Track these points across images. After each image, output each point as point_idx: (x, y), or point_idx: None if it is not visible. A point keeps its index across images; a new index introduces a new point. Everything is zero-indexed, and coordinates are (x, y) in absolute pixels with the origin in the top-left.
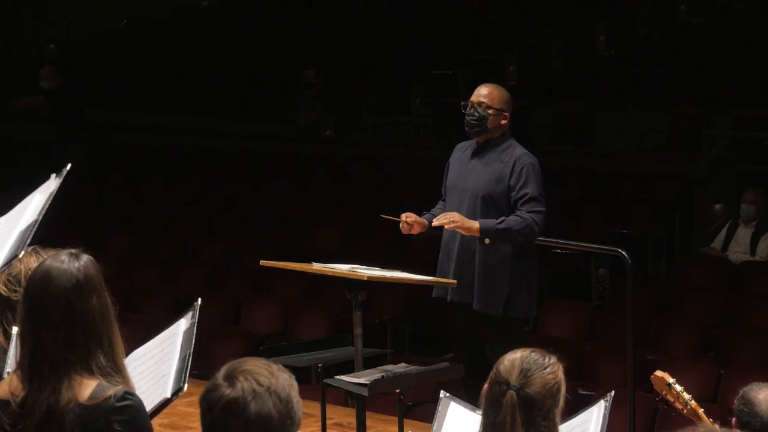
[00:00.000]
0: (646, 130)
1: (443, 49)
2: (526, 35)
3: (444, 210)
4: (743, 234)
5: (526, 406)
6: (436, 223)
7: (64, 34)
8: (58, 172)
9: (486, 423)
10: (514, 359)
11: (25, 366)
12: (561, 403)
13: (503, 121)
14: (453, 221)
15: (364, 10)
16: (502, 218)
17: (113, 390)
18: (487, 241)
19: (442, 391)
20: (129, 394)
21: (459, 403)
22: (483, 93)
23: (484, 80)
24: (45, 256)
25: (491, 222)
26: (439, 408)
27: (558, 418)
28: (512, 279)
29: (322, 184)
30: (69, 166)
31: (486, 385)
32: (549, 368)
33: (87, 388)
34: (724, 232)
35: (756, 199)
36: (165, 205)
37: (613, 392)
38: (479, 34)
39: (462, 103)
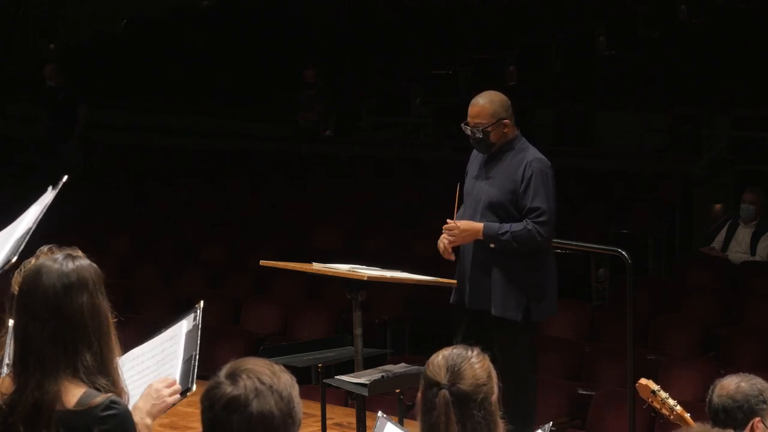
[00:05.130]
0: (646, 130)
1: (443, 49)
2: (526, 35)
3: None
4: (743, 234)
5: (460, 401)
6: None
7: (64, 35)
8: (54, 184)
9: (423, 428)
10: (438, 362)
11: (16, 362)
12: (495, 390)
13: (505, 129)
14: (452, 238)
15: (364, 10)
16: (507, 228)
17: (100, 398)
18: (492, 245)
19: (380, 411)
20: (115, 403)
21: (395, 425)
22: (474, 113)
23: (484, 80)
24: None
25: (494, 228)
26: (377, 426)
27: (495, 406)
28: (532, 283)
29: (321, 185)
30: (66, 177)
31: (419, 394)
32: (474, 358)
33: (74, 396)
34: (724, 232)
35: (756, 199)
36: (165, 205)
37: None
38: (479, 34)
39: (462, 125)
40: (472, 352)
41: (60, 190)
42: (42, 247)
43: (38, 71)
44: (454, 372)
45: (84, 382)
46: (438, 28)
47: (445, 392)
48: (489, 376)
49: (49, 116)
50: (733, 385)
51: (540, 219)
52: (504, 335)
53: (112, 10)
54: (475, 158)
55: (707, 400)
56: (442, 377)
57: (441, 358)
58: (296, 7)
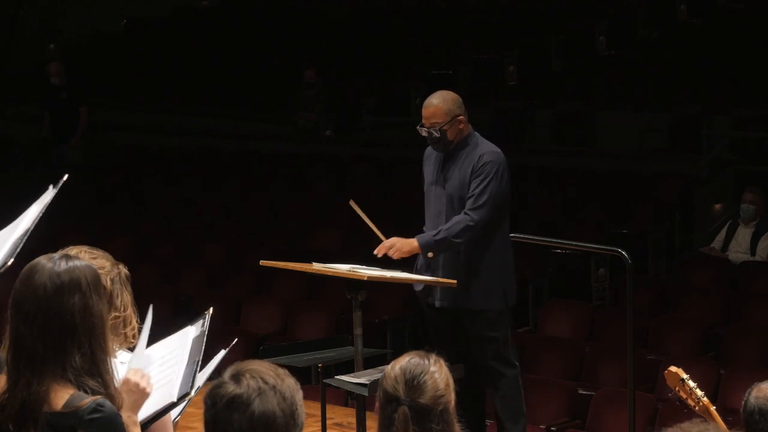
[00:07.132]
0: (646, 130)
1: (443, 49)
2: (526, 35)
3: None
4: (743, 234)
5: (419, 417)
6: (377, 253)
7: (64, 35)
8: (55, 184)
9: None
10: (395, 374)
11: (9, 361)
12: (453, 397)
13: (461, 126)
14: (395, 255)
15: (364, 10)
16: (438, 229)
17: (87, 400)
18: (430, 255)
19: None
20: (101, 406)
21: None
22: (429, 114)
23: (484, 80)
24: (94, 253)
25: (428, 236)
26: None
27: (453, 414)
28: (503, 269)
29: (321, 185)
30: (66, 176)
31: (377, 404)
32: (433, 366)
33: (62, 398)
34: (724, 232)
35: (756, 199)
36: (165, 205)
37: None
38: (479, 34)
39: (417, 127)
40: (430, 359)
41: (60, 189)
42: (83, 247)
43: (38, 71)
44: (413, 386)
45: (72, 382)
46: (438, 28)
47: (404, 408)
48: (447, 385)
49: (51, 116)
50: None
51: (475, 204)
52: (484, 328)
53: (112, 10)
54: (433, 157)
55: (743, 401)
56: (401, 391)
57: (398, 369)
58: (296, 7)
